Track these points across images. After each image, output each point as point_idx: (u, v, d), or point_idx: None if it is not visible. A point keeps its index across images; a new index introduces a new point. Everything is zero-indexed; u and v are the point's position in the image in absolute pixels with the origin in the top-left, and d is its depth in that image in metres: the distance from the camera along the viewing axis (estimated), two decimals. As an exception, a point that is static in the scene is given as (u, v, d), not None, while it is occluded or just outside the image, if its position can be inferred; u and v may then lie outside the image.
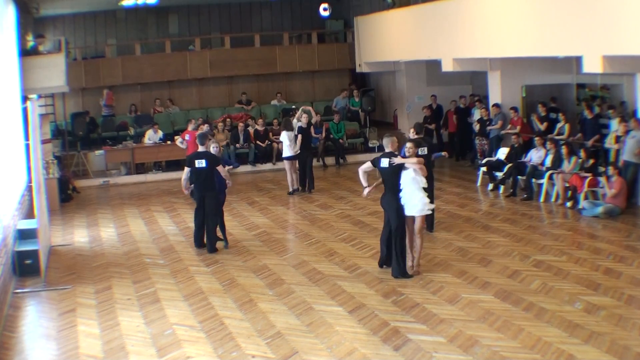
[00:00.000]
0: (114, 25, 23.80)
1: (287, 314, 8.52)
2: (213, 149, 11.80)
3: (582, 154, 13.68)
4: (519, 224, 12.32)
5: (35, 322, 8.91)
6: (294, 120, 15.63)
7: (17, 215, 11.79)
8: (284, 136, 15.50)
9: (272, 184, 17.37)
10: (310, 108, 16.81)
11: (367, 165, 9.75)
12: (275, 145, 19.30)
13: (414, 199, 9.49)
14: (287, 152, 15.47)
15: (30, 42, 17.94)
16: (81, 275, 10.62)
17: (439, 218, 12.39)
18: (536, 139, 14.83)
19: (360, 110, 21.41)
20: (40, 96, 17.42)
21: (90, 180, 18.59)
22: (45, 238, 11.22)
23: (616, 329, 7.51)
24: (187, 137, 15.73)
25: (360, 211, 13.86)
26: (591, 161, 13.58)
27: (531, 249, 10.73)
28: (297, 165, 15.75)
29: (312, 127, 16.65)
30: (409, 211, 9.54)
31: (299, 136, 15.38)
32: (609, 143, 13.95)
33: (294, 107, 20.18)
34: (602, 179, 12.67)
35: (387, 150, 9.62)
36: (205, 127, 15.94)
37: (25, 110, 12.70)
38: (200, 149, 11.49)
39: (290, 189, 15.77)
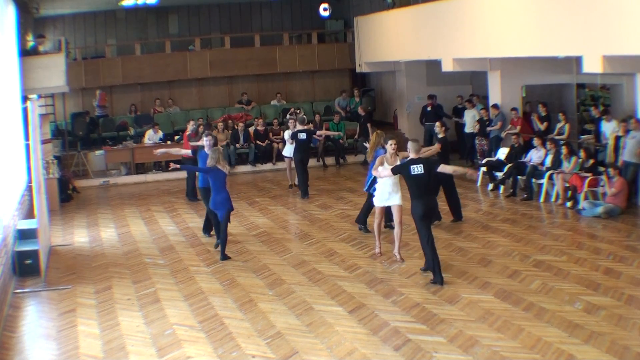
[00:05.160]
0: (114, 25, 23.80)
1: (287, 314, 8.52)
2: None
3: (582, 154, 13.69)
4: (519, 224, 12.32)
5: (35, 322, 8.90)
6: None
7: (17, 215, 11.79)
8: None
9: (272, 184, 17.36)
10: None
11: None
12: (275, 145, 19.31)
13: (395, 190, 10.09)
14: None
15: (30, 42, 17.93)
16: (81, 275, 10.62)
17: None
18: (535, 139, 14.83)
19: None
20: (40, 96, 17.41)
21: (90, 180, 18.59)
22: (45, 238, 11.22)
23: (616, 329, 7.51)
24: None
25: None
26: (591, 161, 13.58)
27: (531, 249, 10.72)
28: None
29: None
30: (388, 202, 10.16)
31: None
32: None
33: (299, 109, 20.24)
34: (604, 177, 12.67)
35: (411, 155, 9.42)
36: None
37: (25, 110, 12.70)
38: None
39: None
